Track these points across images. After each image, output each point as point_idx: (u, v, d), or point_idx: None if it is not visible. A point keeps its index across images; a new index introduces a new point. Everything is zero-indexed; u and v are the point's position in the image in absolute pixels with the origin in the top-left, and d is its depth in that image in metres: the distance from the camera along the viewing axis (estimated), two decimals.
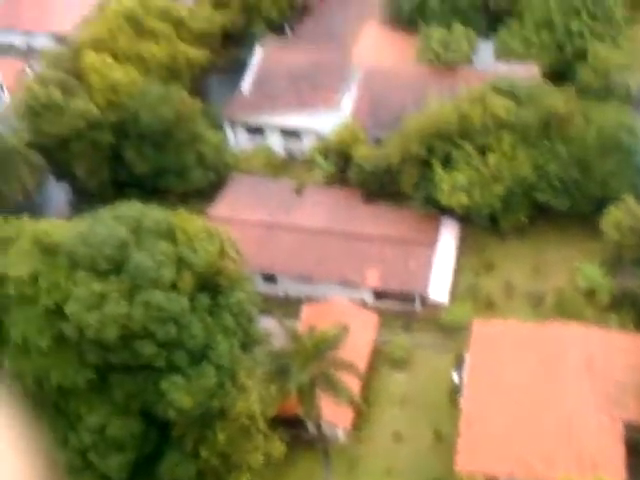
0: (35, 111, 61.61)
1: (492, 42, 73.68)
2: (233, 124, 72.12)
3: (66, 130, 61.46)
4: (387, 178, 61.15)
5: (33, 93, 61.43)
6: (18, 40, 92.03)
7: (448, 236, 60.01)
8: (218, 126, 71.02)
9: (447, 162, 58.36)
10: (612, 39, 68.43)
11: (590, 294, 54.28)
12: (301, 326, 51.48)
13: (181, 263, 44.45)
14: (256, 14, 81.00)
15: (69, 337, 43.25)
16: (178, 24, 73.86)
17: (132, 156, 63.90)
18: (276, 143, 71.26)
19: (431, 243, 58.80)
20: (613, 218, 53.54)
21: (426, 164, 59.20)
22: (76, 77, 64.46)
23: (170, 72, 69.57)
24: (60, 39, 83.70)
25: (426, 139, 58.26)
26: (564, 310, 53.26)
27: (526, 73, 65.85)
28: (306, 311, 54.67)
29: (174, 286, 43.40)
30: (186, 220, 47.62)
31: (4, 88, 74.45)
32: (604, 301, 53.66)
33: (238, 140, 72.32)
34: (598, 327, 49.72)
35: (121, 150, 64.57)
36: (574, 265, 56.49)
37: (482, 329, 49.91)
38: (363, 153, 62.04)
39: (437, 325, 54.74)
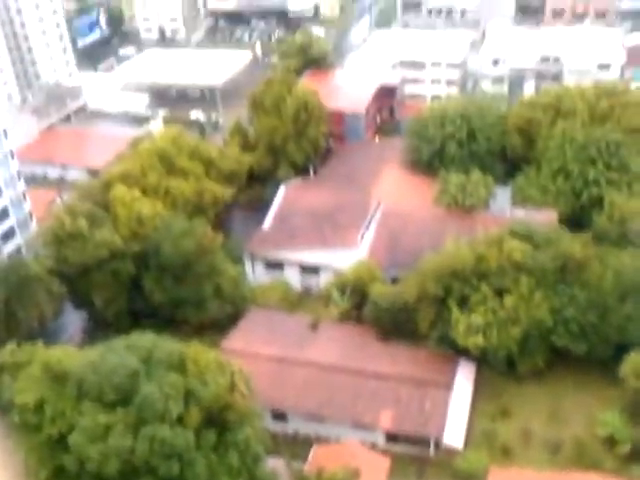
0: (60, 239, 63.49)
1: (509, 188, 75.53)
2: (253, 258, 73.38)
3: (89, 259, 62.94)
4: (403, 316, 60.92)
5: (61, 222, 63.57)
6: (52, 172, 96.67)
7: (464, 378, 58.68)
8: (238, 259, 72.27)
9: (464, 303, 58.24)
10: (628, 187, 69.82)
11: (610, 443, 52.12)
12: (309, 468, 49.55)
13: (190, 396, 43.90)
14: (282, 157, 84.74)
15: (69, 470, 42.13)
16: (207, 163, 77.42)
17: (151, 286, 64.81)
18: (293, 278, 72.05)
19: (447, 385, 57.43)
20: (632, 365, 52.25)
21: (442, 304, 59.11)
22: (104, 208, 66.94)
23: (195, 207, 72.05)
24: (93, 172, 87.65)
25: (443, 279, 58.50)
26: (583, 459, 51.05)
27: (543, 219, 66.88)
28: (315, 452, 52.78)
29: (181, 420, 42.65)
30: (199, 352, 47.49)
31: (33, 217, 77.31)
32: (625, 451, 51.39)
33: (256, 273, 73.30)
34: (619, 478, 47.17)
35: (140, 280, 65.61)
36: (593, 412, 54.59)
37: (499, 478, 47.61)
38: (379, 290, 62.25)
39: (451, 472, 52.33)
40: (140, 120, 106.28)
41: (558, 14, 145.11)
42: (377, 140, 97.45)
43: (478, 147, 78.89)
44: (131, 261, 64.94)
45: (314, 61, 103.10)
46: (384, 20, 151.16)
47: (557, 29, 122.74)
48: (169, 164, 73.63)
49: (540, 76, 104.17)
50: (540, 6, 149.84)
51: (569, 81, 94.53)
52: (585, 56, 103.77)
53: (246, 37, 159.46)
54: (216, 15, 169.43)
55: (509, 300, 56.71)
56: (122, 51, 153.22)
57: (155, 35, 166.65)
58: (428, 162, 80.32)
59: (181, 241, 63.21)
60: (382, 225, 72.30)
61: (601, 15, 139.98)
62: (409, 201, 75.97)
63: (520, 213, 69.55)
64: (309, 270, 71.96)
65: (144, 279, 65.32)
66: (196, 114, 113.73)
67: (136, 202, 66.72)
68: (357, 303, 64.29)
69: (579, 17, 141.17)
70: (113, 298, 65.39)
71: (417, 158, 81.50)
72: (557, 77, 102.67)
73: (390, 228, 71.63)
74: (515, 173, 77.44)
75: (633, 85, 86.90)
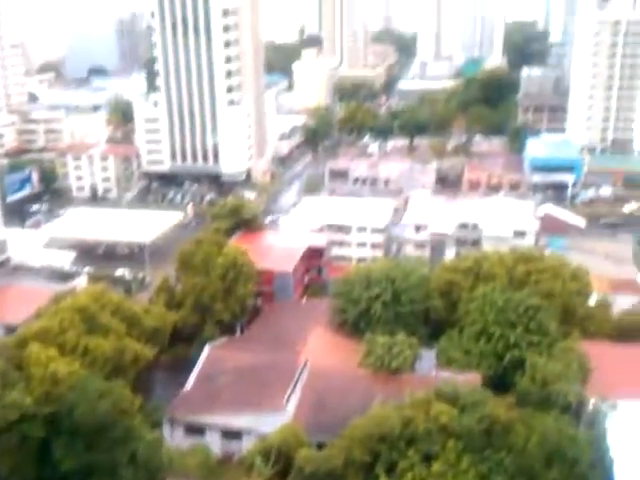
0: None
1: (434, 350, 76.21)
2: (173, 422, 70.13)
3: None
4: None
5: None
6: None
7: None
8: (157, 422, 68.93)
9: (392, 469, 56.56)
10: (547, 350, 71.44)
11: None
12: None
13: None
14: (208, 315, 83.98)
15: None
16: (130, 321, 75.74)
17: (61, 452, 60.37)
18: (215, 442, 68.69)
19: None
20: None
21: (370, 470, 57.17)
22: (18, 367, 63.64)
23: (115, 367, 69.46)
24: (10, 329, 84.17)
25: (370, 444, 57.14)
26: None
27: (467, 381, 67.15)
28: None
29: None
30: None
31: None
32: None
33: (175, 438, 69.70)
34: None
35: (50, 445, 61.28)
36: None
37: None
38: (305, 456, 59.79)
39: None
40: (64, 276, 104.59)
41: (474, 186, 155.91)
42: (305, 300, 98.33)
43: (403, 309, 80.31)
44: (42, 424, 60.78)
45: (245, 223, 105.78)
46: (312, 187, 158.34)
47: (474, 199, 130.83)
48: (90, 321, 71.61)
49: (460, 242, 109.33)
50: (457, 179, 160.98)
51: (487, 247, 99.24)
52: (501, 224, 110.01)
53: (178, 199, 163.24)
54: (149, 176, 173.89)
55: (437, 466, 55.41)
56: (34, 207, 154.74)
57: (87, 193, 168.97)
58: (354, 323, 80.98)
59: (97, 403, 59.92)
60: (308, 387, 71.01)
61: (514, 187, 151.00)
62: (336, 362, 75.38)
63: (445, 375, 69.79)
64: (231, 435, 69.02)
65: (54, 444, 61.02)
66: (123, 271, 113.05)
67: (52, 361, 63.73)
68: (282, 470, 61.41)
69: (494, 189, 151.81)
70: (19, 465, 60.33)
71: (343, 319, 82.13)
72: (476, 243, 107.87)
73: (317, 391, 70.34)
74: (439, 335, 78.56)
75: (547, 252, 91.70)
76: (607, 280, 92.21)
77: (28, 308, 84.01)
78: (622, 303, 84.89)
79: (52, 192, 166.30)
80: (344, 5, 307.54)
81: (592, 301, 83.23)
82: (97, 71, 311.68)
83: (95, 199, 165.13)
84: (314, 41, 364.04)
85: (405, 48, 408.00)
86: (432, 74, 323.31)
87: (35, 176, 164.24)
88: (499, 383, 69.51)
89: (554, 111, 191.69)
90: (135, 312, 77.14)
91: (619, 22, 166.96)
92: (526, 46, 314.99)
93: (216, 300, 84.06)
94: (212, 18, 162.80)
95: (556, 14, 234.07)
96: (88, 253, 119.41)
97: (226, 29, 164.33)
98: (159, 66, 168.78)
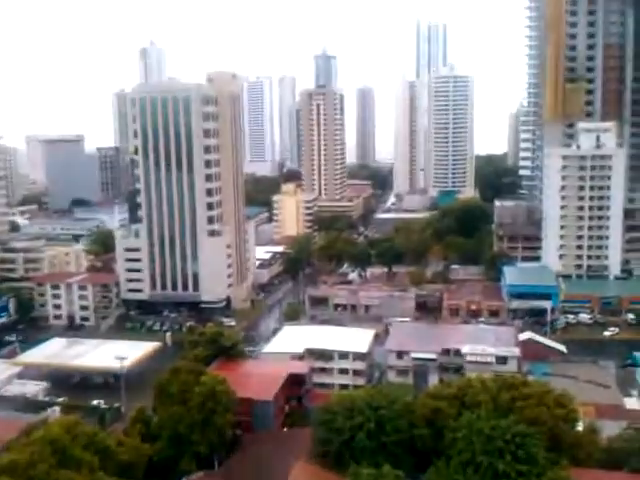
0: None
1: None
2: None
3: None
4: None
5: None
6: None
7: None
8: None
9: None
10: (538, 479, 69.07)
11: None
12: None
13: None
14: (186, 447, 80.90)
15: None
16: (103, 453, 72.79)
17: None
18: None
19: None
20: None
21: None
22: None
23: None
24: None
25: None
26: None
27: None
28: None
29: None
30: None
31: None
32: None
33: None
34: None
35: None
36: None
37: None
38: None
39: None
40: (37, 407, 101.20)
41: (454, 312, 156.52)
42: (286, 429, 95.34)
43: (388, 438, 77.85)
44: None
45: (224, 350, 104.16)
46: (293, 314, 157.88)
47: (455, 325, 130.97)
48: (62, 454, 68.72)
49: (443, 368, 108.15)
50: (437, 305, 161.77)
51: (470, 373, 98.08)
52: (483, 350, 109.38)
53: (157, 326, 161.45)
54: (128, 304, 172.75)
55: None
56: (9, 336, 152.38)
57: (64, 322, 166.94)
58: (338, 454, 78.01)
59: None
60: None
61: (494, 314, 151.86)
62: None
63: None
64: None
65: None
66: (97, 401, 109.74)
67: None
68: None
69: (473, 315, 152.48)
70: None
71: (326, 449, 79.13)
72: (459, 369, 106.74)
73: None
74: (426, 465, 75.83)
75: (530, 378, 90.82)
76: (592, 406, 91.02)
77: None
78: (609, 428, 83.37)
79: (29, 321, 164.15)
80: (322, 143, 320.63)
81: (579, 427, 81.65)
82: (79, 203, 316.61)
83: (72, 327, 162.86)
84: (293, 175, 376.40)
85: (381, 182, 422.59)
86: (408, 206, 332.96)
87: (12, 305, 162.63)
88: None
89: (528, 240, 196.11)
90: (108, 444, 74.23)
91: (585, 157, 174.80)
92: (497, 178, 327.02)
93: (193, 431, 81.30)
94: (194, 154, 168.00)
95: (525, 149, 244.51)
96: (63, 383, 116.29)
97: (208, 164, 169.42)
98: (141, 198, 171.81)
